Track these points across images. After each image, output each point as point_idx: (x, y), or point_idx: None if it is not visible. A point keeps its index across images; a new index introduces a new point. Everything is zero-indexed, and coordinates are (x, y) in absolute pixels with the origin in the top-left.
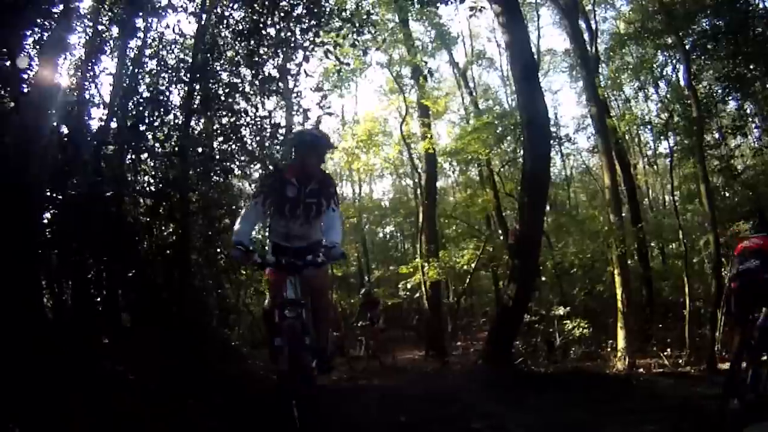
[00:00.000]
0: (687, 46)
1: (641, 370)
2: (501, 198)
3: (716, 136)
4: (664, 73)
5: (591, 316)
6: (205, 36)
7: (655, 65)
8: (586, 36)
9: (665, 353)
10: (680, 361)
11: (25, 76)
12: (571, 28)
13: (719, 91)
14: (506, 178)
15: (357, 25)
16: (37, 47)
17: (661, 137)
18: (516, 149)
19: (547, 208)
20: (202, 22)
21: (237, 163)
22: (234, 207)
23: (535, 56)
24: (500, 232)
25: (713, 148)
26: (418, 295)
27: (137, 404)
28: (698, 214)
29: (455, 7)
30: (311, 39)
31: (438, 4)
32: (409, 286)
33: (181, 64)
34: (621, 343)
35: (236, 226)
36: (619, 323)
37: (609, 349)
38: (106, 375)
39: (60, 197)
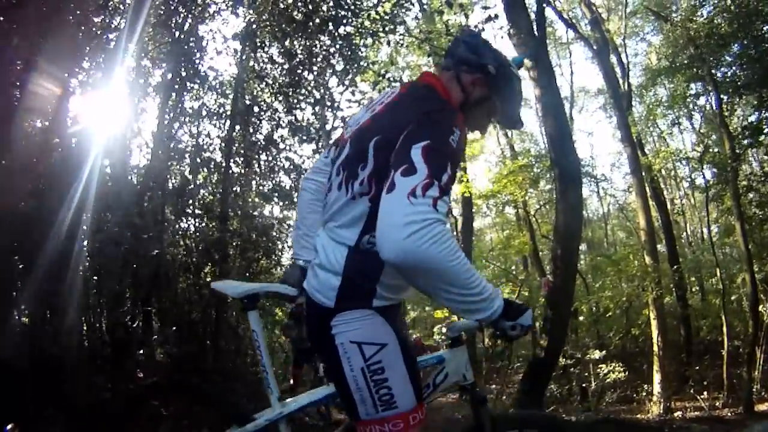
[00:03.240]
0: (717, 77)
1: (678, 413)
2: (537, 239)
3: (754, 167)
4: (698, 104)
5: (627, 359)
6: (243, 86)
7: (688, 98)
8: (618, 70)
9: (702, 396)
10: (717, 403)
11: (71, 115)
12: (602, 67)
13: (753, 119)
14: (543, 219)
15: (391, 80)
16: (83, 87)
17: (696, 171)
18: (552, 190)
19: (584, 247)
20: (241, 72)
21: (275, 205)
22: (271, 245)
23: (570, 94)
24: (537, 275)
25: (752, 186)
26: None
27: None
28: (737, 247)
29: None
30: (347, 95)
31: None
32: (444, 330)
33: (221, 109)
34: (656, 387)
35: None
36: (654, 367)
37: (644, 394)
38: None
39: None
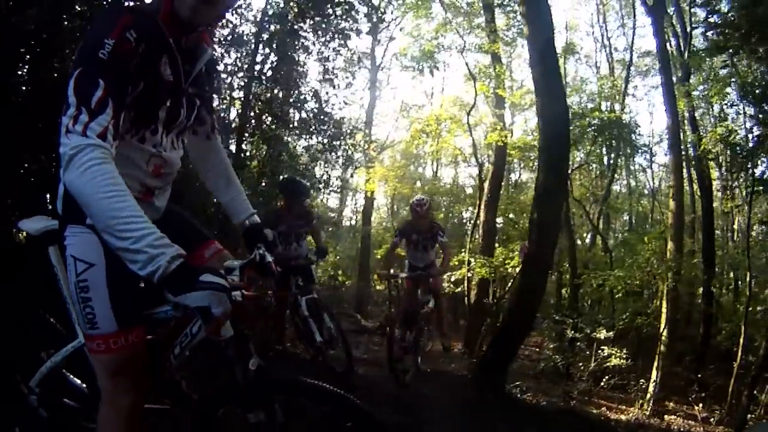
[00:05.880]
0: None
1: (669, 417)
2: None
3: None
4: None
5: (638, 346)
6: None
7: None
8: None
9: (698, 406)
10: (712, 419)
11: None
12: (654, 26)
13: None
14: (575, 181)
15: None
16: None
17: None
18: (590, 153)
19: (626, 217)
20: None
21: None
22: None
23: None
24: (565, 239)
25: None
26: (459, 289)
27: None
28: None
29: None
30: None
31: None
32: (453, 279)
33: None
34: (651, 385)
35: None
36: (655, 362)
37: (637, 389)
38: None
39: None
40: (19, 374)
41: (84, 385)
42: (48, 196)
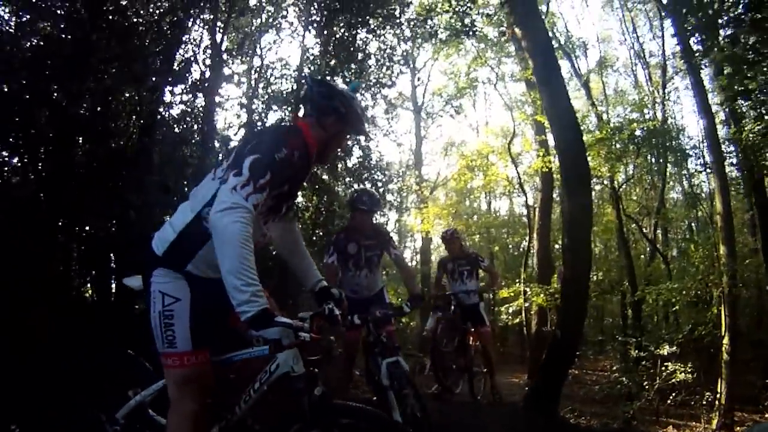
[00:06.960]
0: None
1: (738, 429)
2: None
3: None
4: None
5: (706, 358)
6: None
7: None
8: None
9: None
10: None
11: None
12: (675, 27)
13: None
14: (627, 197)
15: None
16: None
17: None
18: (640, 165)
19: (686, 224)
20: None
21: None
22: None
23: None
24: (623, 257)
25: None
26: (517, 320)
27: None
28: None
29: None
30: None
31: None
32: (510, 310)
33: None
34: (718, 397)
35: None
36: (723, 371)
37: (704, 402)
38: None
39: None
40: (104, 411)
41: (164, 421)
42: (112, 255)
